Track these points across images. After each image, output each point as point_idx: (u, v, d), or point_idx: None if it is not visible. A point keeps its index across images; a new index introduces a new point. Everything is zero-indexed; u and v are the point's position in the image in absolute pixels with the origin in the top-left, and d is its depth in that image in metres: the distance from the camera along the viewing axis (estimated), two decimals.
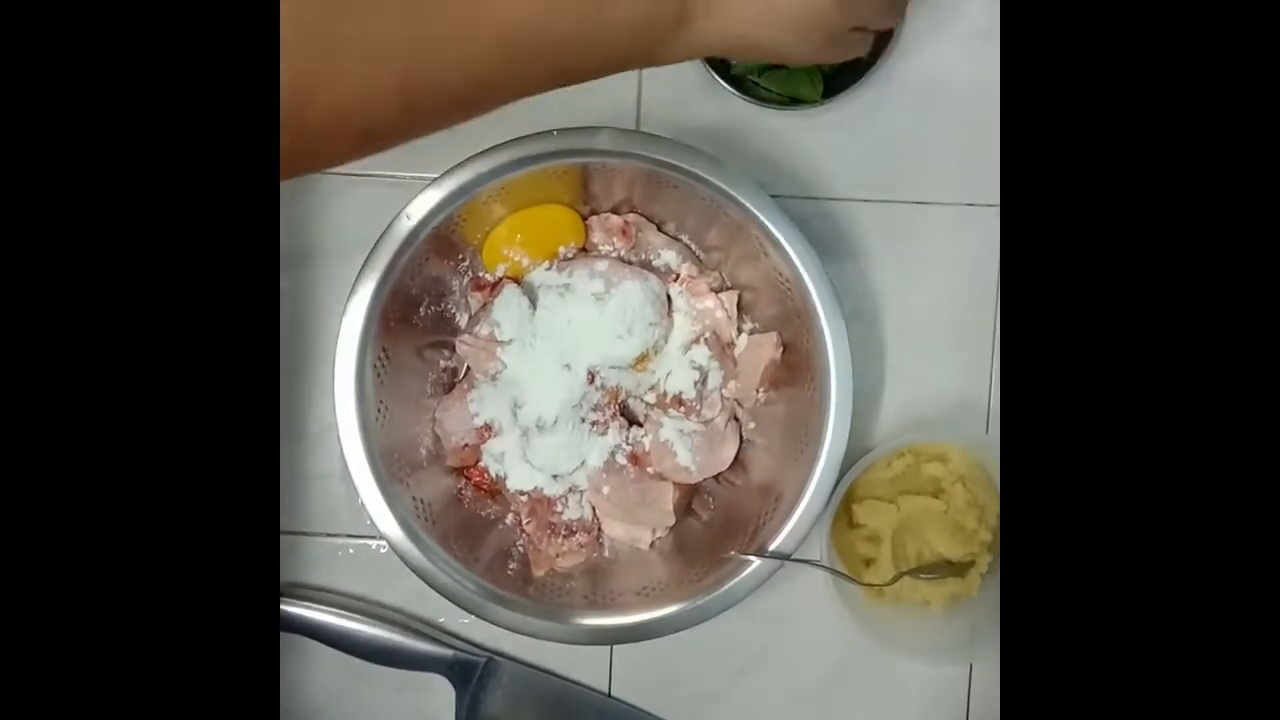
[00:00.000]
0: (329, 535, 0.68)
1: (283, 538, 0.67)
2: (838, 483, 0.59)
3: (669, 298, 0.65)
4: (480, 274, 0.65)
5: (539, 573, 0.64)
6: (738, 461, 0.66)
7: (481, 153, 0.58)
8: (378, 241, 0.58)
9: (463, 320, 0.66)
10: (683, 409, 0.64)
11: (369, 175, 0.67)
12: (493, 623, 0.60)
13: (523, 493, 0.65)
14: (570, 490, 0.65)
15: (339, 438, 0.59)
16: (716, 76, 0.63)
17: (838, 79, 0.64)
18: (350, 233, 0.66)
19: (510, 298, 0.63)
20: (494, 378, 0.64)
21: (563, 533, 0.64)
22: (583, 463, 0.64)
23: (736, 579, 0.59)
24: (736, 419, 0.66)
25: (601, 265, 0.63)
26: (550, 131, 0.57)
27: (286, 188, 0.66)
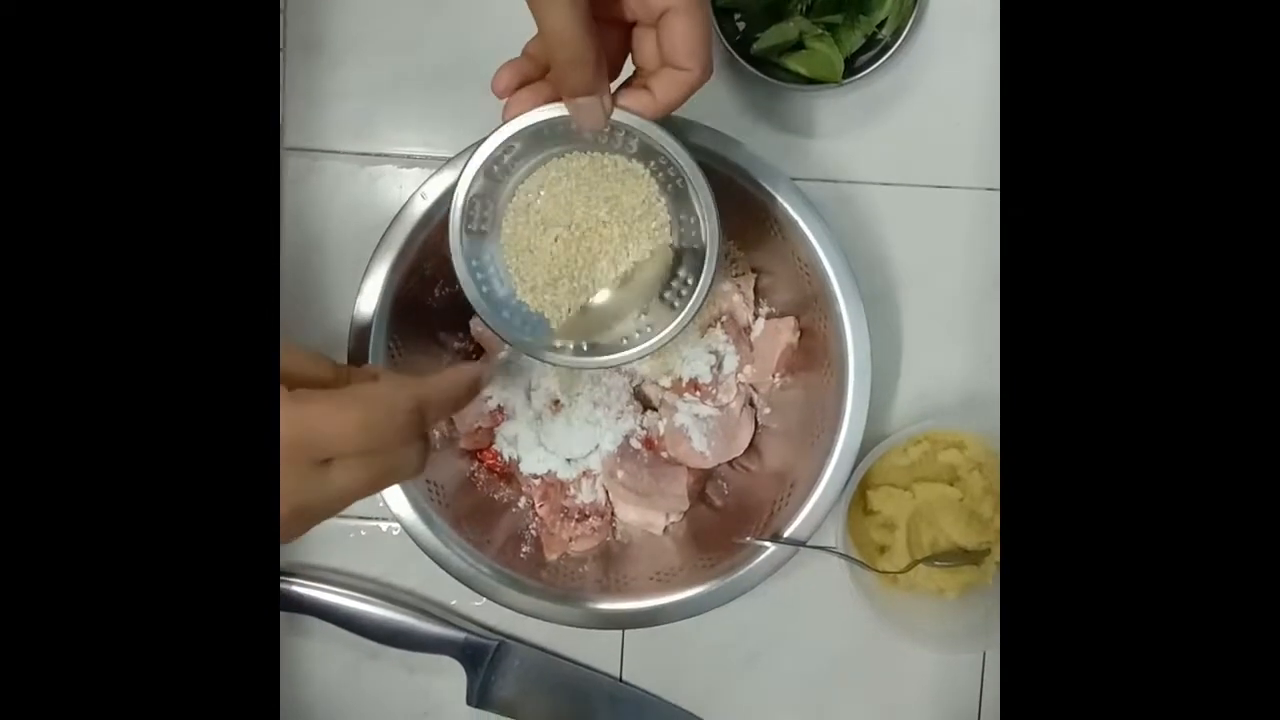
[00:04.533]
0: (341, 517, 0.67)
1: None
2: (854, 469, 0.59)
3: None
4: None
5: (552, 556, 0.63)
6: (753, 447, 0.65)
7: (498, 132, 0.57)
8: (392, 222, 0.57)
9: None
10: (698, 394, 0.63)
11: (382, 155, 0.66)
12: (505, 606, 0.59)
13: (536, 476, 0.64)
14: (584, 474, 0.64)
15: None
16: (736, 56, 0.62)
17: (858, 61, 0.63)
18: (363, 213, 0.66)
19: None
20: (508, 360, 0.63)
21: (576, 517, 0.64)
22: (597, 447, 0.64)
23: (750, 565, 0.59)
24: (752, 404, 0.66)
25: None
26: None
27: (296, 167, 0.66)
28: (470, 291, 0.51)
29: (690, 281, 0.51)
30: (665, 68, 0.45)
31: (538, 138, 0.48)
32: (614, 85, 0.47)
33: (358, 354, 0.58)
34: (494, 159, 0.49)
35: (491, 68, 0.66)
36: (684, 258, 0.51)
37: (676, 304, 0.51)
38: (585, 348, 0.52)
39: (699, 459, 0.64)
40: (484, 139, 0.48)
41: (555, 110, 0.47)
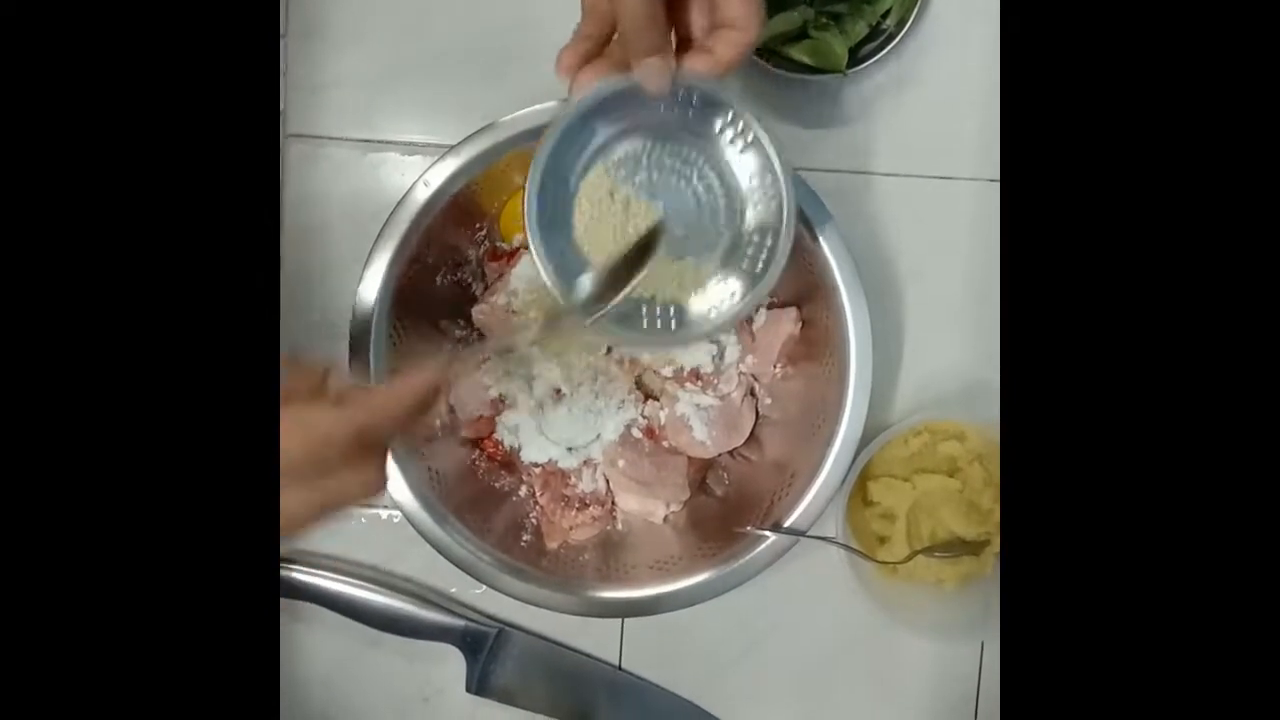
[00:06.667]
0: None
1: None
2: (854, 460, 0.59)
3: None
4: (497, 243, 0.65)
5: (552, 545, 0.63)
6: (753, 437, 0.65)
7: (501, 120, 0.57)
8: (394, 209, 0.57)
9: (479, 290, 0.65)
10: (700, 383, 0.63)
11: (384, 142, 0.66)
12: (505, 593, 0.59)
13: (537, 465, 0.64)
14: (585, 463, 0.64)
15: None
16: None
17: (863, 51, 0.63)
18: (365, 201, 0.65)
19: (527, 267, 0.62)
20: (509, 348, 0.63)
21: (576, 505, 0.64)
22: (598, 436, 0.64)
23: (750, 555, 0.59)
24: (753, 394, 0.66)
25: None
26: (570, 99, 0.56)
27: (298, 154, 0.66)
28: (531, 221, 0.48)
29: (769, 245, 0.50)
30: (720, 29, 0.46)
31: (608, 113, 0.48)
32: None
33: (359, 342, 0.58)
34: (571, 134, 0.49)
35: (494, 54, 0.66)
36: (761, 218, 0.50)
37: (758, 271, 0.50)
38: (651, 322, 0.51)
39: (700, 448, 0.64)
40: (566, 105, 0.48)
41: (621, 82, 0.46)
